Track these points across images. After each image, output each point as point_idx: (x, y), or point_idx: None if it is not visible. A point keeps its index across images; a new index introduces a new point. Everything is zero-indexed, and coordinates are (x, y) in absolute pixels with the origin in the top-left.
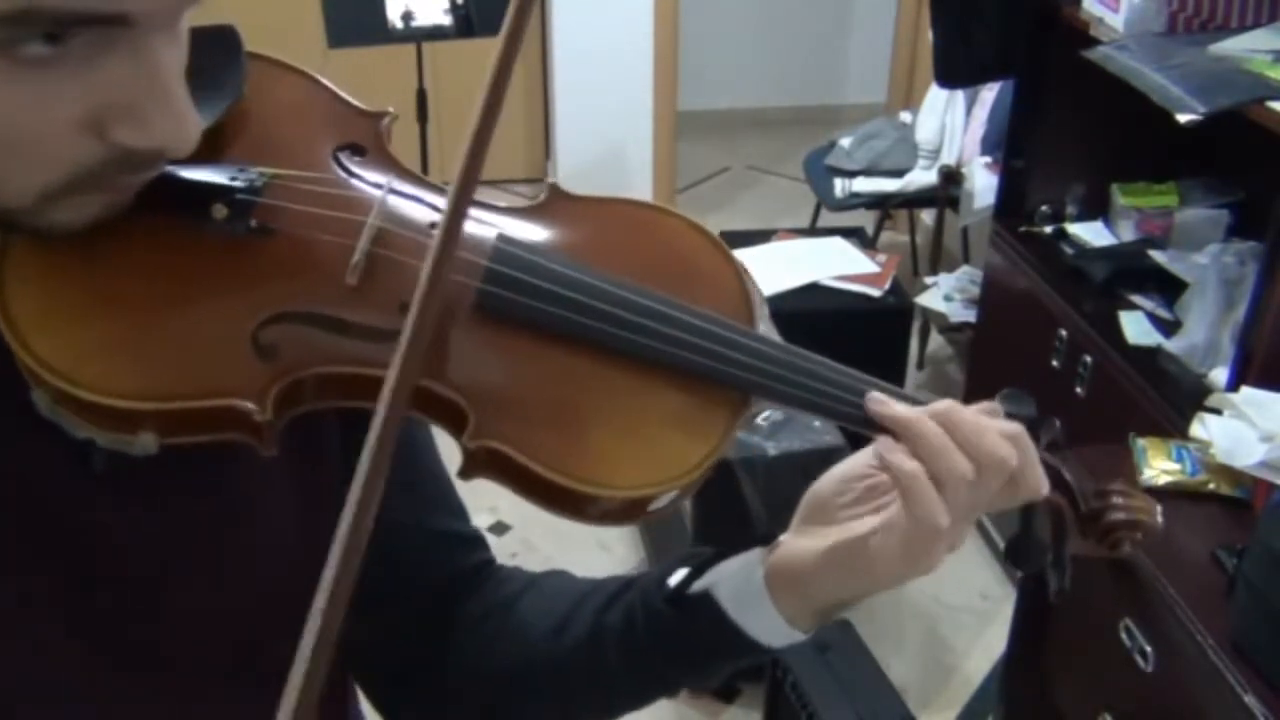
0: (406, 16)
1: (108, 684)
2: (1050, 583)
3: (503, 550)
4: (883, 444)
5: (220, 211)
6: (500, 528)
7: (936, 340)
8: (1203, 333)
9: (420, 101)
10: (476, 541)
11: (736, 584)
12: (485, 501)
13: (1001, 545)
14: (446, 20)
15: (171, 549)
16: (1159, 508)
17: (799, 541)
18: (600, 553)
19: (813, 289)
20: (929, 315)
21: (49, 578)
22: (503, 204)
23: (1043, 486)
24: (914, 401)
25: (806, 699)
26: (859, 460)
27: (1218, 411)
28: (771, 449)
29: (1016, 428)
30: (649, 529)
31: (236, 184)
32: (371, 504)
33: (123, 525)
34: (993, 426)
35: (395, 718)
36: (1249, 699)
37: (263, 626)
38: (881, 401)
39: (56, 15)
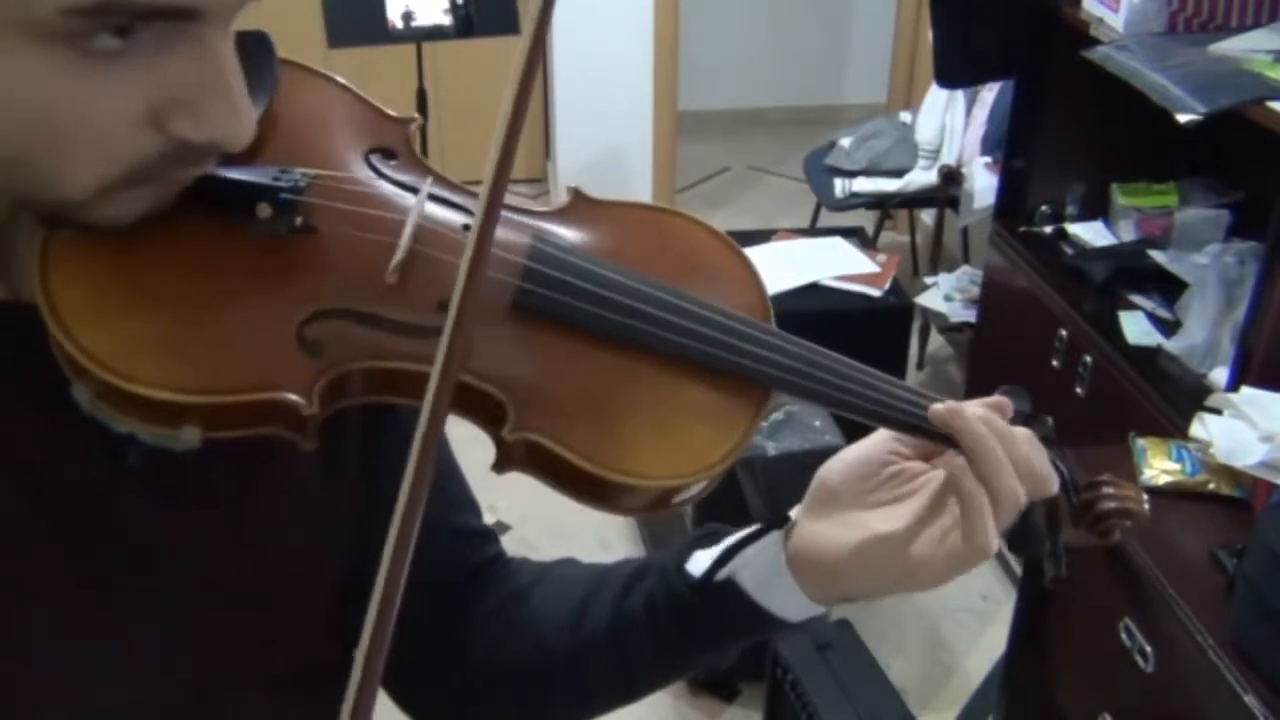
0: (406, 16)
1: (129, 677)
2: (1046, 570)
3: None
4: (958, 468)
5: (265, 211)
6: (500, 528)
7: (936, 340)
8: (1203, 333)
9: (420, 101)
10: (489, 536)
11: (759, 569)
12: (485, 500)
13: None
14: (446, 20)
15: (198, 546)
16: (1146, 496)
17: (822, 528)
18: (601, 551)
19: (813, 289)
20: (929, 315)
21: (76, 572)
22: (533, 207)
23: (1054, 485)
24: (918, 395)
25: (806, 699)
26: (877, 445)
27: (1218, 411)
28: (771, 449)
29: (1028, 433)
30: (650, 527)
31: (281, 184)
32: (419, 508)
33: (152, 522)
34: (1021, 439)
35: (414, 711)
36: (1249, 699)
37: (281, 623)
38: (958, 413)
39: (130, 8)
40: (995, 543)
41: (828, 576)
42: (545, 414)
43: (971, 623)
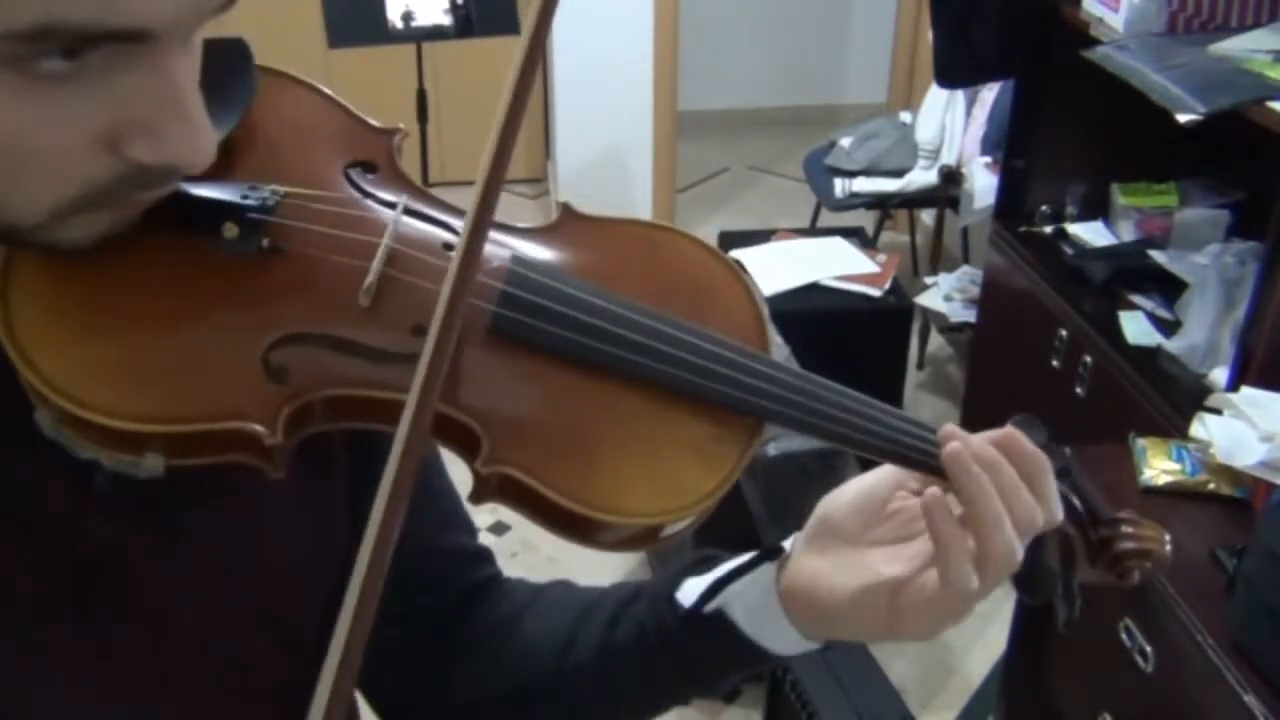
0: (406, 16)
1: (109, 702)
2: (1059, 613)
3: (503, 550)
4: (934, 502)
5: (231, 230)
6: (500, 527)
7: (936, 340)
8: (1203, 333)
9: (420, 101)
10: (485, 556)
11: (750, 602)
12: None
13: None
14: (446, 20)
15: (175, 569)
16: (1168, 537)
17: (820, 566)
18: (601, 553)
19: (813, 289)
20: (929, 315)
21: (51, 599)
22: (518, 224)
23: (1058, 515)
24: (923, 430)
25: (806, 699)
26: (881, 481)
27: (1218, 411)
28: (771, 449)
29: (1041, 460)
30: None
31: (248, 202)
32: (392, 537)
33: (126, 546)
34: (1024, 489)
35: None
36: (1249, 699)
37: (263, 644)
38: (966, 469)
39: (75, 31)
40: (974, 582)
41: (821, 618)
42: (522, 446)
43: (971, 623)
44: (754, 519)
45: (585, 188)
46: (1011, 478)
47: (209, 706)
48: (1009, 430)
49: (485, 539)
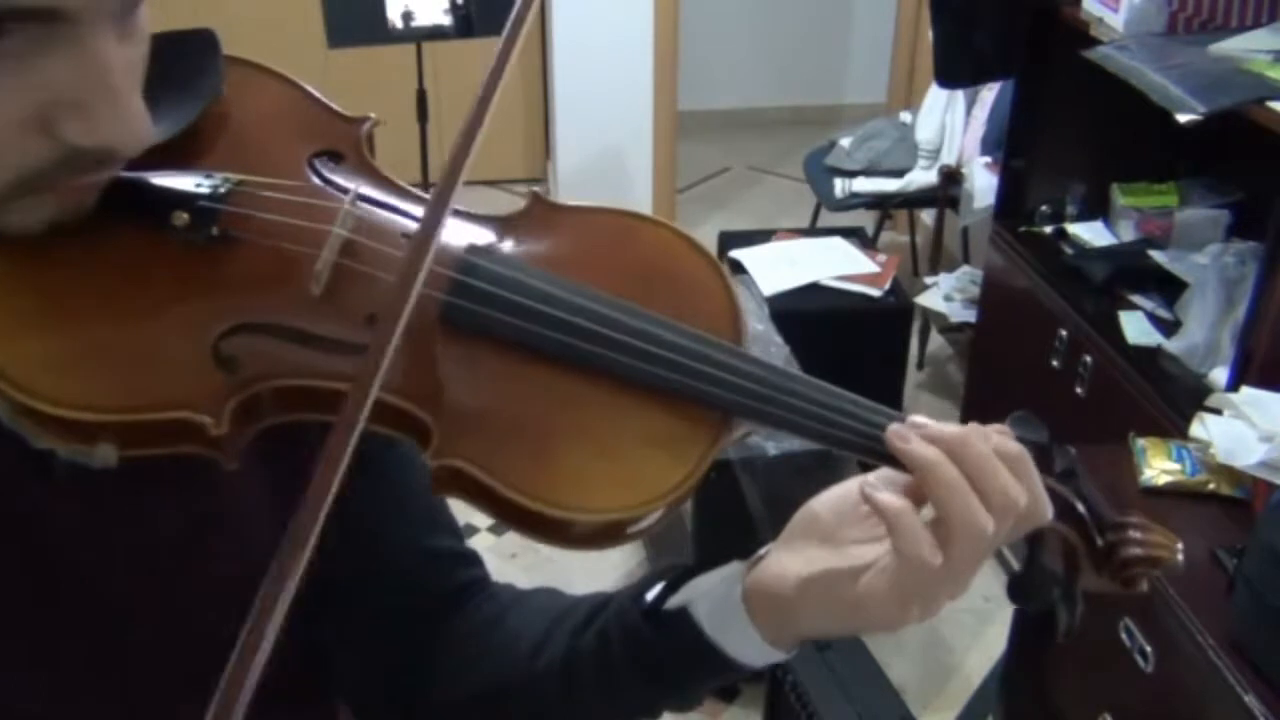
0: (406, 16)
1: (73, 692)
2: (1060, 621)
3: (503, 550)
4: (867, 482)
5: (181, 219)
6: (499, 528)
7: (936, 340)
8: (1203, 333)
9: (420, 101)
10: (467, 560)
11: (714, 601)
12: None
13: (1003, 551)
14: (446, 20)
15: (137, 558)
16: (1180, 545)
17: (783, 561)
18: (600, 553)
19: (813, 289)
20: (929, 315)
21: (12, 587)
22: (481, 212)
23: (1046, 514)
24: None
25: (806, 699)
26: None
27: (1218, 411)
28: (771, 449)
29: (1018, 449)
30: None
31: (200, 191)
32: (321, 513)
33: (87, 535)
34: (1001, 466)
35: None
36: (1249, 699)
37: (227, 632)
38: (903, 437)
39: None
40: (930, 553)
41: (778, 609)
42: (474, 439)
43: (971, 623)
44: (754, 519)
45: (585, 188)
46: (981, 453)
47: (178, 696)
48: (996, 426)
49: (485, 539)
